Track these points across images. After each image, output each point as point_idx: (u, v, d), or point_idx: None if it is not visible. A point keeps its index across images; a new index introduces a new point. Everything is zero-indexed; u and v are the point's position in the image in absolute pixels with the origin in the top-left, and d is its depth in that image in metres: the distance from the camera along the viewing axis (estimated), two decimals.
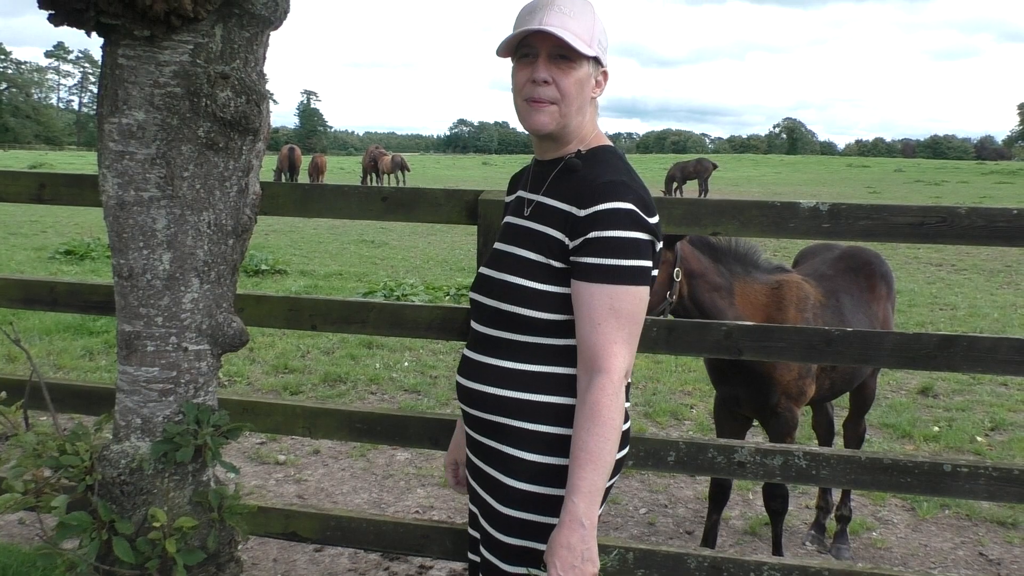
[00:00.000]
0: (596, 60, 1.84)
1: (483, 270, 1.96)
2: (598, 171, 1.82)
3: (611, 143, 1.93)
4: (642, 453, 2.67)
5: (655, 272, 1.85)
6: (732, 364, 3.43)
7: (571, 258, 1.78)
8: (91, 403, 3.11)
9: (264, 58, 2.33)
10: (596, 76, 1.87)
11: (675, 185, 29.23)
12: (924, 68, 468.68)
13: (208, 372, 2.39)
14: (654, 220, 1.80)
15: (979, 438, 5.56)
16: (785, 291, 3.49)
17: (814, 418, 4.49)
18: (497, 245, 1.96)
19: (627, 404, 1.86)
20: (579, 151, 1.87)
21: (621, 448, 1.87)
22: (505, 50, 1.86)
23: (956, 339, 2.52)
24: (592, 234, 1.73)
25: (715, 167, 29.86)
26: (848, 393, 4.26)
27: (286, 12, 2.31)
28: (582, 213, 1.76)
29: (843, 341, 2.58)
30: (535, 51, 1.81)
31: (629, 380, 1.79)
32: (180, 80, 2.16)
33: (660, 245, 1.86)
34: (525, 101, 1.83)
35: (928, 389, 6.58)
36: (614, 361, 1.72)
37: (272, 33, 2.34)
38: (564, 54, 1.79)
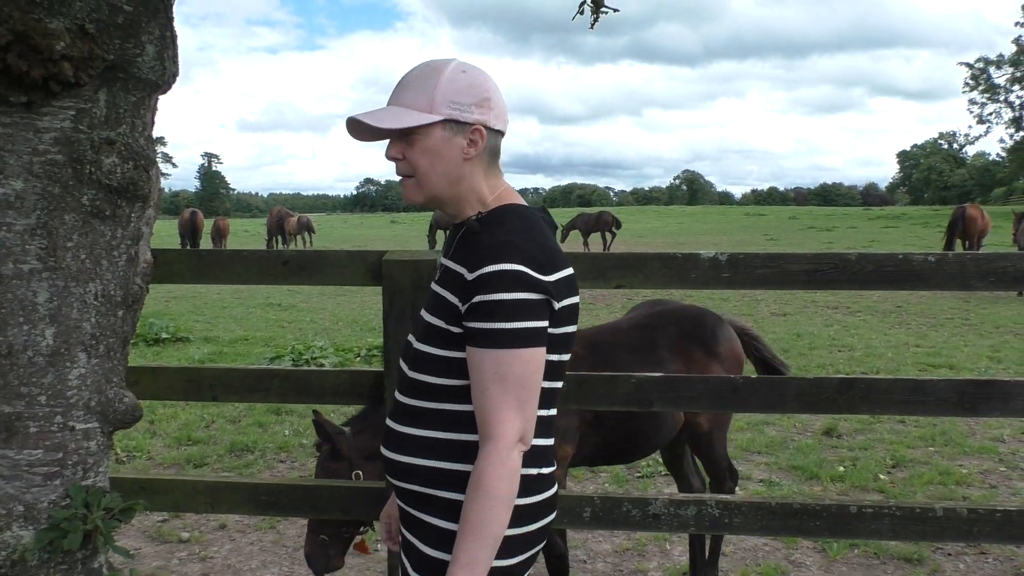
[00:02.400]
0: (453, 122, 1.75)
1: (408, 337, 1.93)
2: (491, 233, 1.77)
3: (518, 201, 1.86)
4: (557, 510, 2.63)
5: (566, 329, 1.80)
6: None
7: (463, 323, 1.73)
8: None
9: (153, 122, 2.26)
10: (460, 137, 1.77)
11: (582, 240, 29.86)
12: (807, 120, 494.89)
13: (98, 451, 2.25)
14: (551, 278, 1.72)
15: (882, 476, 5.72)
16: None
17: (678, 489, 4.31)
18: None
19: (537, 471, 1.81)
20: (479, 213, 1.83)
21: (540, 517, 1.82)
22: None
23: (855, 382, 2.59)
24: (477, 298, 1.69)
25: (617, 224, 30.23)
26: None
27: (175, 75, 2.25)
28: (471, 276, 1.71)
29: (749, 388, 2.62)
30: None
31: (527, 447, 1.72)
32: (62, 147, 2.07)
33: (562, 304, 1.77)
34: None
35: (832, 430, 6.76)
36: (502, 428, 1.67)
37: (161, 97, 2.28)
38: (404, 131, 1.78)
